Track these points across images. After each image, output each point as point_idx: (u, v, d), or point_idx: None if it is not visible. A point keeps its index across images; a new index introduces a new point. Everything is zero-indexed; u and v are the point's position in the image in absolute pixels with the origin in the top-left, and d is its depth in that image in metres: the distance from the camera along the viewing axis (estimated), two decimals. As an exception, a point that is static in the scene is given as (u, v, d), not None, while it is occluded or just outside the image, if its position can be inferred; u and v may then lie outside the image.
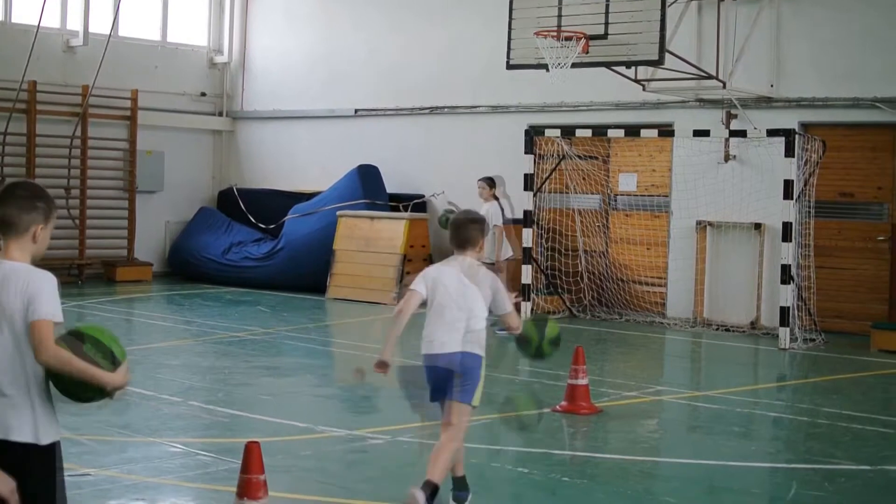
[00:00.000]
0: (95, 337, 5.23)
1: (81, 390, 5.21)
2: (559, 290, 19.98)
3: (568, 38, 16.84)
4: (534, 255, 19.47)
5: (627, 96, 19.46)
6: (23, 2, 22.63)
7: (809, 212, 17.53)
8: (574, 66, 16.90)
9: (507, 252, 17.62)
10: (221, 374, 13.35)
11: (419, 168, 22.66)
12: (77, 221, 22.97)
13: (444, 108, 22.58)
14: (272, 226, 23.42)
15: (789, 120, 17.97)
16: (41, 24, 21.60)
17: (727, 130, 18.36)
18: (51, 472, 5.23)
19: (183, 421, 10.70)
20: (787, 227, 16.62)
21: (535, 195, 19.51)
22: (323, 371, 14.54)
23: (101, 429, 9.87)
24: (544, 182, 20.02)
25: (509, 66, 18.10)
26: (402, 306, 7.67)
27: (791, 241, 16.66)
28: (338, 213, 21.75)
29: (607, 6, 16.80)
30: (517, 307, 8.60)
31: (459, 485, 8.03)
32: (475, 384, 7.77)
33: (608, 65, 17.37)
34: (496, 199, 17.71)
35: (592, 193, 20.42)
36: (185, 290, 22.09)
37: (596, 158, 20.42)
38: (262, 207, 24.12)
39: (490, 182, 17.76)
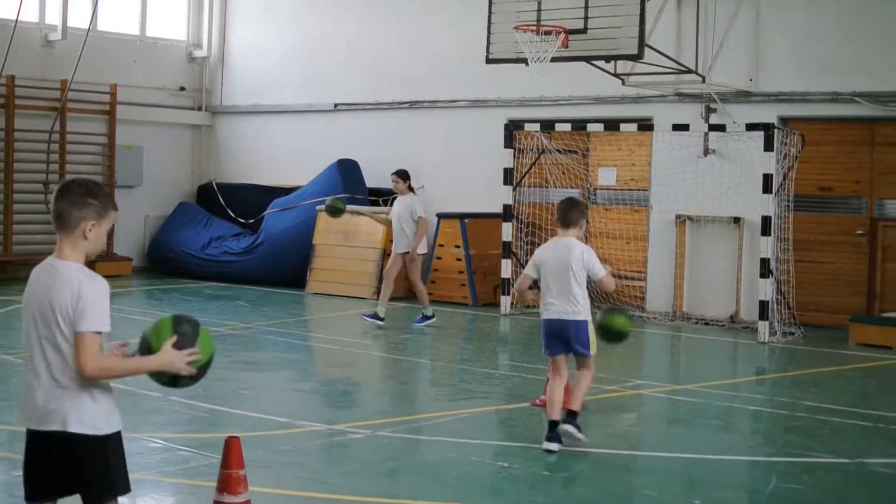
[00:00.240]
0: (146, 332, 5.42)
1: (158, 379, 5.44)
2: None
3: (547, 33, 16.85)
4: (514, 250, 19.49)
5: (607, 91, 19.49)
6: (0, -4, 22.57)
7: (788, 206, 17.58)
8: (554, 60, 16.91)
9: (423, 248, 17.31)
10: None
11: (399, 162, 22.47)
12: (55, 216, 22.86)
13: (423, 102, 22.56)
14: (252, 220, 23.38)
15: (768, 114, 18.01)
16: (19, 19, 21.51)
17: (706, 125, 18.40)
18: (108, 461, 5.25)
19: (163, 416, 10.68)
20: (766, 221, 16.67)
21: (514, 189, 19.53)
22: (303, 366, 14.53)
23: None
24: (524, 176, 20.03)
25: (489, 61, 18.10)
26: (516, 287, 10.64)
27: (770, 235, 16.70)
28: (317, 207, 21.73)
29: (587, 1, 16.80)
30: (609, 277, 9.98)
31: (572, 415, 9.62)
32: (587, 340, 9.54)
33: (588, 59, 17.38)
34: (412, 191, 17.50)
35: (572, 188, 20.42)
36: (164, 284, 22.06)
37: (575, 153, 20.44)
38: (242, 202, 24.08)
39: (403, 175, 17.44)
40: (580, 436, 9.58)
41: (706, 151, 18.81)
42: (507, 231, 19.21)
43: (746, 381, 14.33)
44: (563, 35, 16.77)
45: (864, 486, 8.94)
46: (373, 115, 23.33)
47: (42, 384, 5.19)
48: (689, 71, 17.69)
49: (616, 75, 18.17)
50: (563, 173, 20.32)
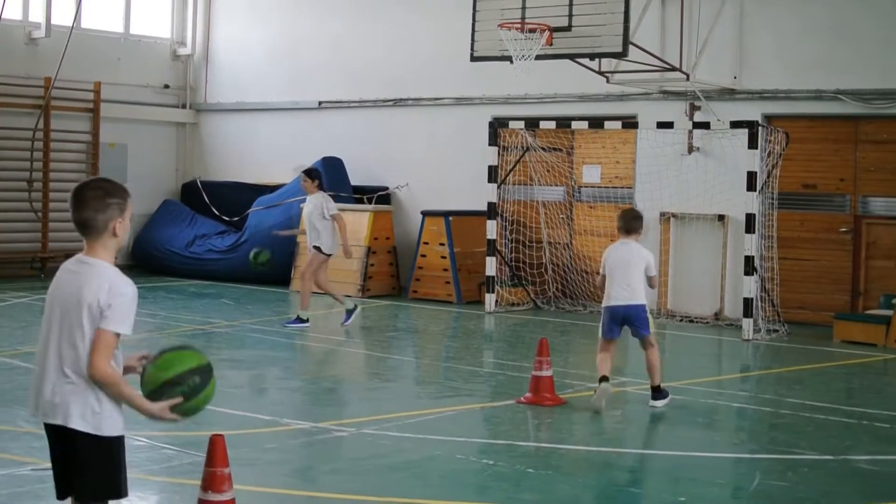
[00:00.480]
0: (156, 360, 5.34)
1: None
2: (523, 282, 20.01)
3: (532, 30, 16.87)
4: (498, 247, 19.49)
5: (591, 88, 19.49)
6: (-17, -6, 22.48)
7: (773, 203, 17.61)
8: (538, 58, 16.93)
9: (333, 248, 16.71)
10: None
11: (383, 160, 22.65)
12: (40, 214, 22.83)
13: (407, 100, 22.55)
14: (236, 218, 23.33)
15: (752, 112, 18.04)
16: (2, 16, 21.40)
17: (691, 122, 18.42)
18: (104, 464, 5.25)
19: (147, 414, 10.64)
20: (750, 218, 16.70)
21: (499, 187, 19.52)
22: (287, 364, 14.50)
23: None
24: (508, 174, 20.04)
25: (473, 59, 18.11)
26: (596, 283, 12.55)
27: (754, 232, 16.73)
28: (301, 205, 21.69)
29: (571, -2, 16.83)
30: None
31: (657, 392, 11.55)
32: (646, 321, 11.42)
33: (572, 57, 17.39)
34: (321, 190, 17.10)
35: (556, 185, 20.46)
36: (148, 282, 21.99)
37: (560, 150, 20.45)
38: (226, 200, 24.04)
39: (311, 174, 16.99)
40: (660, 404, 11.49)
41: (690, 149, 18.85)
42: (491, 229, 19.20)
43: (731, 379, 14.35)
44: (547, 33, 16.79)
45: (847, 482, 8.95)
46: (357, 112, 23.31)
47: (51, 377, 5.20)
48: (673, 69, 17.71)
49: (600, 73, 18.18)
50: (548, 171, 20.34)
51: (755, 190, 16.70)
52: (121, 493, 5.31)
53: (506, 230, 20.21)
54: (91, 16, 24.09)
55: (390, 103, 22.79)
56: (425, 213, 20.77)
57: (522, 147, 20.17)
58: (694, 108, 18.80)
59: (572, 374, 13.17)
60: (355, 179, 22.36)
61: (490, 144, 19.38)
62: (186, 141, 26.07)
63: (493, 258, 19.15)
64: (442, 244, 20.37)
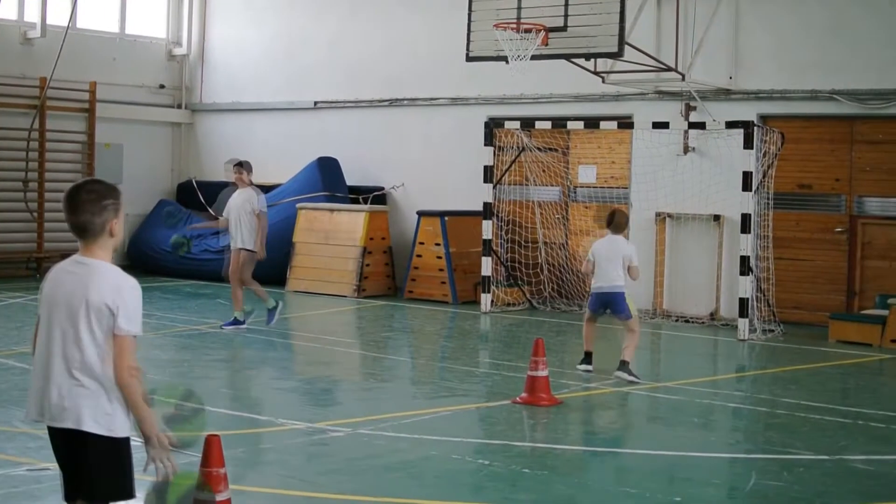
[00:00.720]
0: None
1: None
2: (519, 282, 20.02)
3: (527, 31, 16.87)
4: (494, 248, 19.49)
5: (587, 88, 19.50)
6: (-22, -6, 22.47)
7: (768, 203, 17.62)
8: (534, 58, 16.93)
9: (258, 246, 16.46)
10: (181, 368, 13.29)
11: (379, 160, 22.64)
12: (35, 214, 22.81)
13: (403, 100, 22.55)
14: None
15: (748, 112, 18.05)
16: (-2, 16, 21.47)
17: (686, 123, 18.42)
18: (117, 465, 5.27)
19: (143, 414, 10.63)
20: (745, 218, 16.69)
21: (494, 187, 19.51)
22: (283, 364, 14.51)
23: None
24: (504, 174, 20.03)
25: (469, 59, 18.11)
26: (583, 270, 13.98)
27: (750, 232, 16.73)
28: (297, 205, 21.70)
29: (566, -2, 16.84)
30: None
31: (623, 364, 12.90)
32: (625, 305, 12.98)
33: (568, 57, 17.40)
34: (251, 184, 16.88)
35: (552, 185, 20.45)
36: (144, 282, 21.66)
37: (555, 150, 20.45)
38: (222, 200, 23.98)
39: (246, 166, 16.79)
40: (630, 378, 12.76)
41: (686, 149, 18.85)
42: (487, 229, 19.20)
43: (726, 379, 14.36)
44: (543, 33, 16.79)
45: (843, 482, 8.96)
46: (353, 112, 23.31)
47: (57, 380, 5.16)
48: (668, 69, 17.72)
49: (596, 73, 18.18)
50: (544, 171, 20.33)
51: (751, 190, 16.70)
52: (131, 493, 5.31)
53: (501, 230, 20.20)
54: (86, 16, 24.08)
55: (386, 103, 22.78)
56: (421, 214, 20.77)
57: (518, 147, 20.17)
58: (689, 108, 18.80)
59: (568, 374, 13.17)
60: (351, 179, 22.36)
61: (486, 144, 19.38)
62: (182, 141, 26.05)
63: (489, 258, 19.14)
64: (438, 244, 20.36)
